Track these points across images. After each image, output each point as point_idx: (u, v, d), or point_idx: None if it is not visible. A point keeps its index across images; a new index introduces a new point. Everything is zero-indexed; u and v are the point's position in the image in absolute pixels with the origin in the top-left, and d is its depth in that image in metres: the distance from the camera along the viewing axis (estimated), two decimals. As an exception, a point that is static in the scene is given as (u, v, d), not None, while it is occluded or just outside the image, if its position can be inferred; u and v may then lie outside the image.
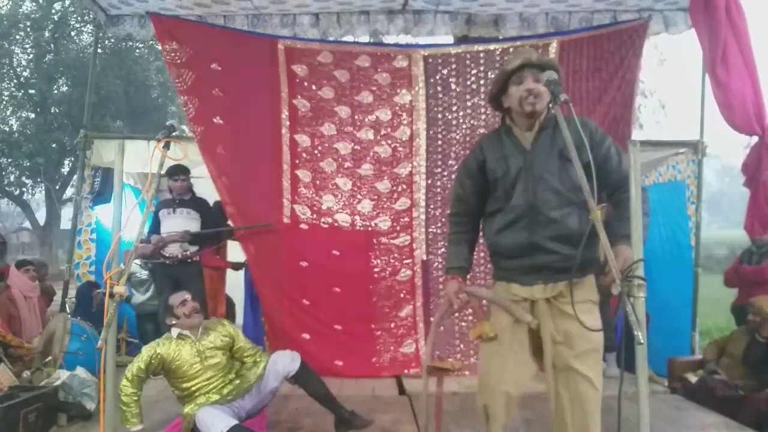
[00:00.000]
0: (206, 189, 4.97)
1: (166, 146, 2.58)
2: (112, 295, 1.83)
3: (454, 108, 4.97)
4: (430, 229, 4.98)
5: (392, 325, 4.88)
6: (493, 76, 4.94)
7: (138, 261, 5.20)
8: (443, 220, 4.96)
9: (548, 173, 2.25)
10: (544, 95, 2.21)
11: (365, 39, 7.38)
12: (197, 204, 4.79)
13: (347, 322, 4.84)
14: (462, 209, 2.51)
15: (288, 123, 4.91)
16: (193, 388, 3.13)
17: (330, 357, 4.71)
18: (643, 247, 2.16)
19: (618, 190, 2.27)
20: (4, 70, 17.32)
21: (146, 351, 3.12)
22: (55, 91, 17.65)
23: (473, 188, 2.46)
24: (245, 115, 4.82)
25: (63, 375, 3.68)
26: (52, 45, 17.41)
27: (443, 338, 4.79)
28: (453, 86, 4.96)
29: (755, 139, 4.53)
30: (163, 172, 2.36)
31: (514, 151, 2.33)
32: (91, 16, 8.41)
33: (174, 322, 3.21)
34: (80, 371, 3.75)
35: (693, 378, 4.32)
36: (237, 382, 3.24)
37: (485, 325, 2.35)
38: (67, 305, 4.99)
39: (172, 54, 4.69)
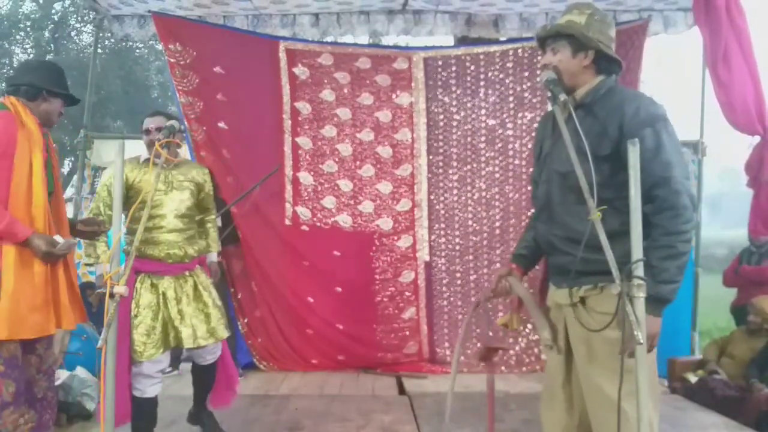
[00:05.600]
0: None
1: (167, 146, 2.57)
2: (112, 295, 1.83)
3: (455, 109, 4.97)
4: (433, 231, 4.97)
5: (395, 327, 4.90)
6: (492, 77, 4.97)
7: None
8: (445, 222, 4.97)
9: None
10: (555, 68, 2.02)
11: (365, 39, 7.38)
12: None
13: (349, 322, 4.87)
14: (533, 192, 2.25)
15: (290, 126, 4.94)
16: (150, 224, 2.89)
17: (333, 352, 4.87)
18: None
19: (654, 200, 1.83)
20: (4, 70, 17.32)
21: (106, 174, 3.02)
22: (56, 92, 17.66)
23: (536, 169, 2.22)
24: (248, 119, 4.85)
25: (63, 375, 3.68)
26: (52, 45, 17.41)
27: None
28: (453, 88, 4.96)
29: (757, 139, 4.53)
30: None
31: (551, 133, 2.09)
32: (91, 16, 8.39)
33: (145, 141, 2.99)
34: (80, 371, 3.75)
35: (693, 378, 4.33)
36: (186, 249, 3.01)
37: (513, 316, 2.21)
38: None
39: (177, 55, 4.71)
